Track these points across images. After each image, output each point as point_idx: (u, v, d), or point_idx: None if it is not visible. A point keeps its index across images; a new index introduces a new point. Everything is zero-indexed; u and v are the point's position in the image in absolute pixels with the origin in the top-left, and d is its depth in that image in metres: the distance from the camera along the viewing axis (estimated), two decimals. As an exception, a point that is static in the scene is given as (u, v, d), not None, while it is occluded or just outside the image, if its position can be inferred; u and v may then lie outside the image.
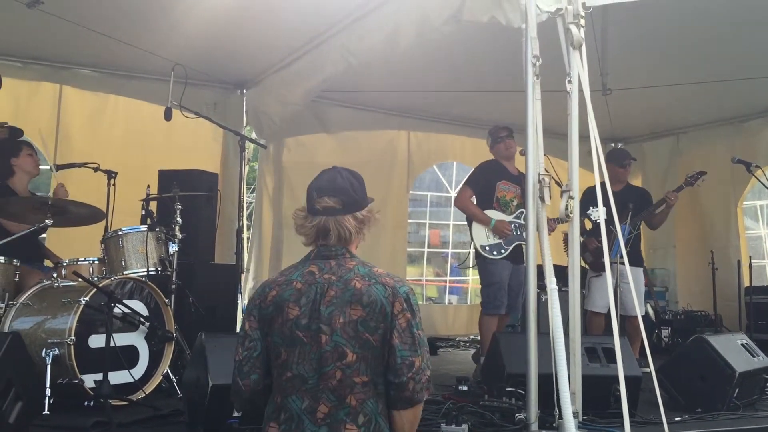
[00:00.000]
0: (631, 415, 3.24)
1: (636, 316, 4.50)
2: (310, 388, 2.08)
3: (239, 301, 5.37)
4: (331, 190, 2.22)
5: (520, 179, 5.40)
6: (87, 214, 4.33)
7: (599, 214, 3.60)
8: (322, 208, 2.20)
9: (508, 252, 5.29)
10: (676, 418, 3.88)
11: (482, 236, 5.33)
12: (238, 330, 2.35)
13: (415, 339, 2.13)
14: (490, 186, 5.44)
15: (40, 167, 5.18)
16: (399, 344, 2.11)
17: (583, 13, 3.67)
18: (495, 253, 5.29)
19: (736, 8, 4.98)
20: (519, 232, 5.29)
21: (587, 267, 5.95)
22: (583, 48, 3.66)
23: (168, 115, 4.90)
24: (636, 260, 5.79)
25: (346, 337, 2.08)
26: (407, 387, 2.10)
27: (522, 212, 5.27)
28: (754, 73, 6.00)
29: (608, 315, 5.64)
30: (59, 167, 5.11)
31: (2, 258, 4.11)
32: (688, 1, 3.97)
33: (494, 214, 5.35)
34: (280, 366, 2.13)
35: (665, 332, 7.08)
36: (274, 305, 2.15)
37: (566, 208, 3.60)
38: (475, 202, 5.50)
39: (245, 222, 7.50)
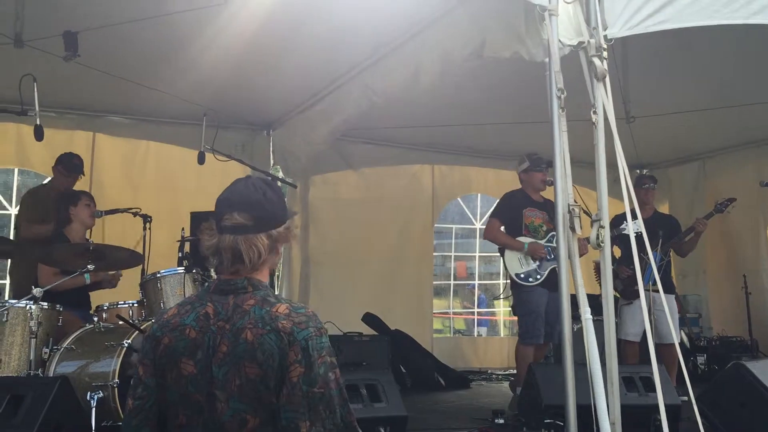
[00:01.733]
0: (673, 445, 3.22)
1: (672, 344, 4.49)
2: None
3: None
4: (240, 203, 1.89)
5: (545, 206, 5.44)
6: (126, 258, 4.44)
7: (629, 228, 3.62)
8: (231, 225, 1.86)
9: (543, 277, 5.29)
10: (718, 447, 3.84)
11: (516, 265, 5.35)
12: None
13: (307, 398, 1.75)
14: (518, 214, 5.49)
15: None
16: (285, 403, 1.75)
17: (605, 45, 3.74)
18: (531, 279, 5.30)
19: (756, 32, 5.02)
20: (552, 256, 5.31)
21: (618, 295, 5.93)
22: (607, 79, 3.72)
23: (201, 159, 5.04)
24: (668, 287, 5.76)
25: (246, 401, 1.76)
26: None
27: (553, 235, 5.26)
28: (778, 95, 6.00)
29: (642, 343, 5.61)
30: (104, 213, 5.25)
31: (46, 304, 4.21)
32: (707, 30, 4.02)
33: (526, 239, 5.38)
34: (178, 429, 1.83)
35: (701, 359, 6.99)
36: (167, 356, 1.84)
37: (597, 238, 3.63)
38: (504, 232, 5.53)
39: (275, 260, 7.59)
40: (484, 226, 6.22)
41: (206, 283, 1.96)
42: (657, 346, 5.30)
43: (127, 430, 1.87)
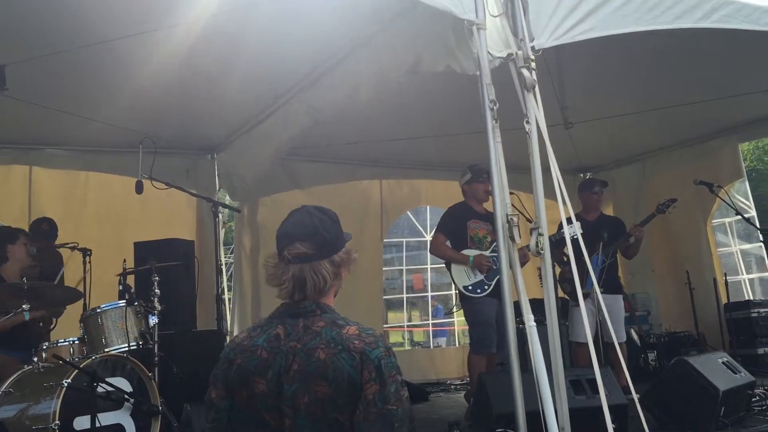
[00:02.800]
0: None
1: (619, 343, 4.58)
2: None
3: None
4: (301, 234, 1.98)
5: (489, 217, 5.51)
6: (64, 296, 4.32)
7: (574, 231, 3.69)
8: (293, 255, 1.95)
9: (491, 287, 5.34)
10: (668, 443, 3.91)
11: (463, 277, 5.39)
12: None
13: (382, 415, 1.82)
14: (462, 227, 5.54)
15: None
16: (361, 420, 1.81)
17: (533, 56, 3.80)
18: (479, 291, 5.34)
19: (680, 36, 5.18)
20: (498, 265, 5.36)
21: (567, 297, 6.02)
22: (537, 89, 3.78)
23: (139, 189, 4.96)
24: (614, 288, 5.88)
25: (312, 420, 1.83)
26: None
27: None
28: (708, 95, 6.19)
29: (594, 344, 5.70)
30: (38, 250, 5.10)
31: (-20, 347, 4.09)
32: (634, 35, 4.13)
33: (471, 252, 5.43)
34: None
35: (651, 356, 7.13)
36: (239, 376, 1.91)
37: (536, 245, 3.68)
38: (449, 246, 5.57)
39: (225, 284, 7.50)
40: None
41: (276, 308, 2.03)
42: (606, 346, 5.42)
43: None
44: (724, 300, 7.15)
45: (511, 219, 3.68)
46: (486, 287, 5.35)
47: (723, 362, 4.41)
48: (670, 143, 8.14)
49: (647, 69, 5.78)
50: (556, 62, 5.48)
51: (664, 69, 5.78)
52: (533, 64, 3.78)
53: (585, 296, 5.61)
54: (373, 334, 1.94)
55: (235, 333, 7.04)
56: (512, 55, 3.82)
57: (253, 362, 1.91)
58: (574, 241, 3.74)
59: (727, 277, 7.04)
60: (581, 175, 8.80)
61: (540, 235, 3.68)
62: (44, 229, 5.48)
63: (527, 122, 3.79)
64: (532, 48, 3.81)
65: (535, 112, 3.76)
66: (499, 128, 3.76)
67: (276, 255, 2.01)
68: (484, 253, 5.43)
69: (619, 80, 5.99)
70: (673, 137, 7.96)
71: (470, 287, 5.35)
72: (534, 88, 3.76)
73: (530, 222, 4.00)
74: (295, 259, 1.95)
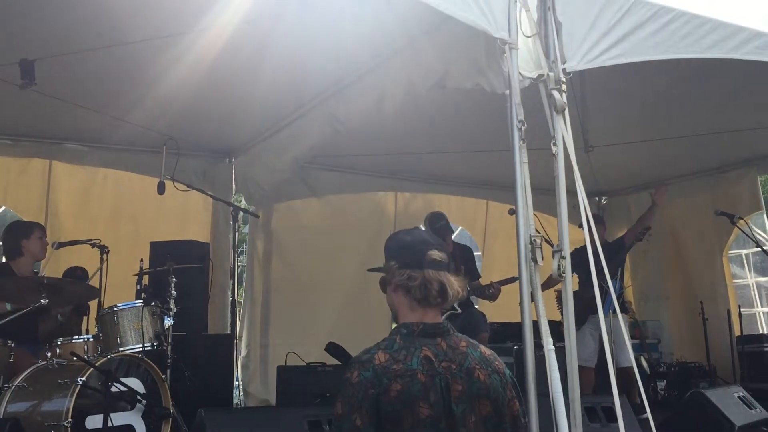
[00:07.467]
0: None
1: (628, 367, 4.55)
2: None
3: (236, 372, 5.32)
4: (435, 243, 2.09)
5: (454, 255, 5.62)
6: (82, 292, 4.32)
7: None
8: (436, 260, 2.03)
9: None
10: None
11: None
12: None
13: (524, 427, 2.05)
14: None
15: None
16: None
17: (564, 78, 3.79)
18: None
19: (707, 66, 5.16)
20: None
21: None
22: (566, 111, 3.76)
23: (161, 189, 4.96)
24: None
25: None
26: None
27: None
28: (729, 125, 6.17)
29: (600, 369, 5.67)
30: (61, 245, 5.09)
31: (-4, 339, 4.08)
32: (663, 63, 4.13)
33: None
34: None
35: (660, 385, 7.07)
36: (400, 402, 1.87)
37: (558, 268, 3.65)
38: None
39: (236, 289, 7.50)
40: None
41: (403, 330, 2.03)
42: (618, 371, 5.41)
43: None
44: (737, 332, 7.09)
45: (534, 240, 3.66)
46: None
47: (739, 396, 4.37)
48: (689, 172, 8.09)
49: (670, 97, 5.77)
50: (580, 84, 5.48)
51: (687, 98, 5.77)
52: (564, 87, 3.78)
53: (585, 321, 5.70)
54: (495, 354, 2.10)
55: (244, 337, 7.01)
56: (543, 76, 3.82)
57: (415, 386, 1.89)
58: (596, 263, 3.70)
59: (741, 310, 6.97)
60: (596, 198, 8.77)
61: (562, 258, 3.66)
62: (78, 275, 5.44)
63: (554, 144, 3.79)
64: (564, 70, 3.81)
65: (564, 134, 3.75)
66: (526, 149, 3.76)
67: (395, 266, 2.07)
68: None
69: (641, 106, 5.98)
70: (692, 166, 7.92)
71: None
72: (564, 110, 3.75)
73: (550, 244, 3.98)
74: (435, 264, 2.02)
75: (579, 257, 4.03)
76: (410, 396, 1.87)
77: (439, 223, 6.20)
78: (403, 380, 1.89)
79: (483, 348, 2.05)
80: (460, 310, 5.93)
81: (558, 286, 4.01)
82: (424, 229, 6.30)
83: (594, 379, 5.73)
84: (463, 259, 6.22)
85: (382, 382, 1.88)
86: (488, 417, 1.94)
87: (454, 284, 2.03)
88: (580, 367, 5.76)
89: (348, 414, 1.87)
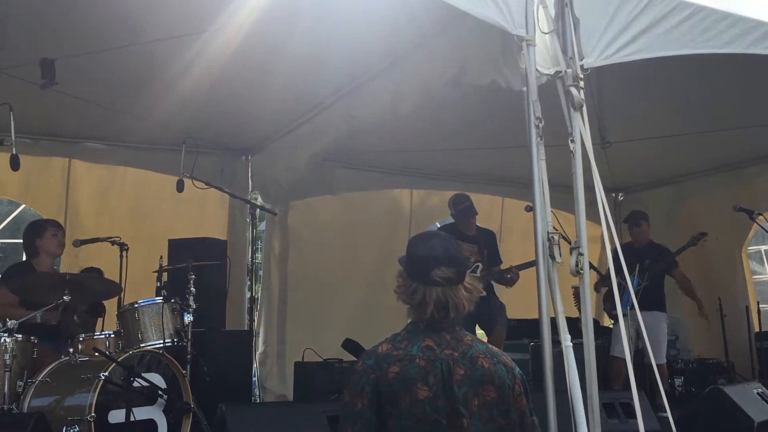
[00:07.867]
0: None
1: (658, 364, 4.57)
2: None
3: (254, 367, 5.36)
4: (446, 258, 2.09)
5: (476, 238, 5.77)
6: (104, 289, 4.38)
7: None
8: (441, 278, 2.06)
9: None
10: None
11: None
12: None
13: (532, 424, 2.07)
14: None
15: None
16: (518, 430, 2.04)
17: (581, 75, 3.78)
18: None
19: (727, 61, 5.13)
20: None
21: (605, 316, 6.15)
22: (584, 108, 3.76)
23: (180, 187, 5.01)
24: (653, 304, 5.96)
25: (483, 421, 1.98)
26: None
27: (477, 266, 5.71)
28: (749, 121, 6.12)
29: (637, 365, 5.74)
30: (81, 242, 5.16)
31: (20, 335, 4.12)
32: (680, 59, 4.12)
33: None
34: None
35: (678, 381, 7.03)
36: (399, 383, 1.98)
37: (576, 265, 3.65)
38: None
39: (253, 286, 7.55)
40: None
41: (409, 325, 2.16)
42: (649, 367, 5.43)
43: None
44: (756, 328, 7.04)
45: (552, 237, 3.66)
46: None
47: (758, 393, 4.35)
48: (707, 168, 8.04)
49: (687, 92, 5.74)
50: (597, 80, 5.46)
51: (705, 93, 5.74)
52: (582, 83, 3.77)
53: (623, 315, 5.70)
54: (505, 353, 2.17)
55: (261, 333, 7.04)
56: (560, 72, 3.81)
57: (413, 369, 1.99)
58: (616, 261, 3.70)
59: (760, 306, 6.93)
60: (613, 195, 8.73)
61: (580, 254, 3.66)
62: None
63: (572, 141, 3.78)
64: (581, 67, 3.80)
65: (582, 131, 3.74)
66: (543, 145, 3.76)
67: (404, 275, 2.13)
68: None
69: (658, 101, 5.95)
70: (710, 162, 7.86)
71: None
72: (582, 107, 3.74)
73: (567, 241, 3.97)
74: (440, 282, 2.05)
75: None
76: (407, 378, 1.98)
77: (463, 204, 6.16)
78: (402, 364, 2.00)
79: (494, 347, 2.12)
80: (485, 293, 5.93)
81: (576, 282, 4.02)
82: (451, 211, 6.23)
83: (624, 370, 5.79)
84: (486, 244, 6.17)
85: (382, 367, 2.01)
86: (493, 403, 1.99)
87: (462, 300, 2.06)
88: (613, 357, 5.91)
89: (351, 399, 2.01)
